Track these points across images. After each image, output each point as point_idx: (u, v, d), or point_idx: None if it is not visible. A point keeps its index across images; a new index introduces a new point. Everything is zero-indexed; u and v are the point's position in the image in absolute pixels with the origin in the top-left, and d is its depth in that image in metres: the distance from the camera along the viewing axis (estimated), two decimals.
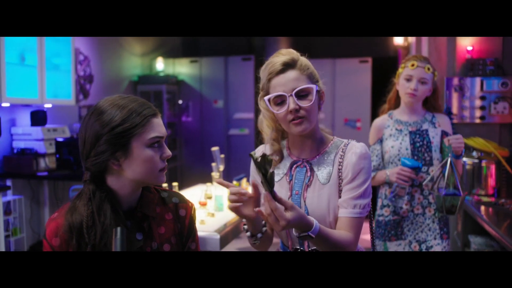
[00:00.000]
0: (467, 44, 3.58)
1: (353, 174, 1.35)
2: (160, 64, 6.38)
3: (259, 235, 1.37)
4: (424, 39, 3.83)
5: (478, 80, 3.51)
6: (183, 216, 1.34)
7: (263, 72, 1.39)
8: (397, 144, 2.32)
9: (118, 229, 1.11)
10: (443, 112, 2.38)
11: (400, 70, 2.35)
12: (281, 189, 1.42)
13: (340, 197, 1.36)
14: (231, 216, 2.65)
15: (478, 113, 3.54)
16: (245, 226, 1.40)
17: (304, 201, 1.38)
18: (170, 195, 1.37)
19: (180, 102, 6.48)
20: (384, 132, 2.38)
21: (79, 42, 4.89)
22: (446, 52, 3.64)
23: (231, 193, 1.31)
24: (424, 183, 2.23)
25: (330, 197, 1.36)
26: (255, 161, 1.15)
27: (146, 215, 1.27)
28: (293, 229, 1.25)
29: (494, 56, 3.57)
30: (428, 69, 2.27)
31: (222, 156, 2.97)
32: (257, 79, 6.14)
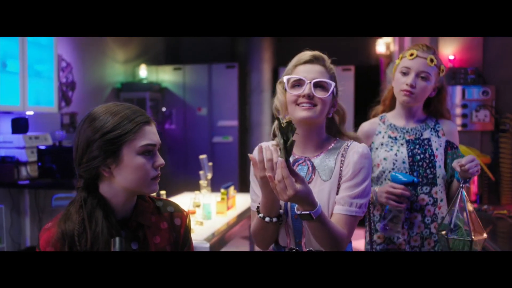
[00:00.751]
0: (448, 53, 3.66)
1: (353, 172, 1.38)
2: (143, 71, 6.34)
3: (274, 219, 1.37)
4: (407, 48, 3.90)
5: (459, 88, 3.60)
6: (179, 225, 1.33)
7: (292, 62, 1.47)
8: (391, 156, 1.82)
9: (117, 239, 1.10)
10: (449, 118, 1.91)
11: (397, 61, 1.88)
12: None
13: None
14: (219, 225, 2.64)
15: (459, 120, 3.62)
16: (258, 209, 1.39)
17: None
18: (165, 204, 1.36)
19: (164, 109, 6.45)
20: (374, 140, 1.89)
21: (62, 49, 4.83)
22: None
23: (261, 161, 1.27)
24: (439, 231, 1.66)
25: (330, 193, 1.38)
26: (280, 125, 1.17)
27: (141, 224, 1.26)
28: (296, 206, 1.28)
29: (475, 65, 3.66)
30: (432, 60, 1.78)
31: (210, 164, 2.97)
32: (241, 87, 6.23)
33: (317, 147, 1.45)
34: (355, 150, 1.41)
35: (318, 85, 1.40)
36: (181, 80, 6.48)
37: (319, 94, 1.39)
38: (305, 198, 1.23)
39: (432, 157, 1.79)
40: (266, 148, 1.26)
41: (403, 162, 1.80)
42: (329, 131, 1.50)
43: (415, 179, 1.71)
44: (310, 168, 1.43)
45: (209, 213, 2.68)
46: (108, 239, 1.16)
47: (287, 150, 1.18)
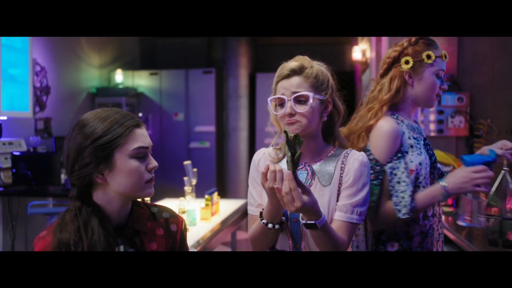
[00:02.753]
0: None
1: (354, 179, 1.40)
2: (119, 76, 6.26)
3: (277, 226, 1.38)
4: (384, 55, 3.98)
5: None
6: (175, 231, 1.32)
7: (275, 75, 1.48)
8: (424, 160, 1.63)
9: (121, 247, 1.10)
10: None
11: (427, 59, 1.62)
12: None
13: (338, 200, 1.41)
14: (204, 231, 2.63)
15: (436, 126, 3.71)
16: (261, 215, 1.40)
17: None
18: (161, 210, 1.35)
19: (140, 114, 6.37)
20: (403, 142, 1.61)
21: (36, 53, 4.73)
22: None
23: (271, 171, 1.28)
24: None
25: (330, 199, 1.41)
26: (288, 138, 1.19)
27: (138, 230, 1.25)
28: (300, 215, 1.31)
29: (450, 73, 3.76)
30: (446, 56, 1.67)
31: (195, 170, 2.95)
32: (218, 92, 6.18)
33: (315, 154, 1.47)
34: (355, 157, 1.43)
35: (297, 100, 1.41)
36: (158, 85, 6.42)
37: (300, 109, 1.40)
38: (312, 209, 1.25)
39: (434, 157, 1.69)
40: (268, 159, 1.26)
41: (427, 165, 1.64)
42: (326, 135, 1.50)
43: (494, 157, 1.49)
44: (310, 173, 1.45)
45: (194, 219, 2.67)
46: (105, 247, 1.15)
47: (294, 162, 1.20)
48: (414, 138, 1.63)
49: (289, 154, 1.20)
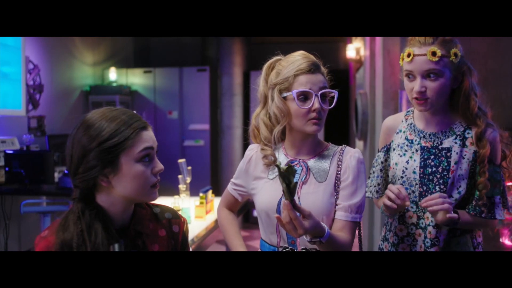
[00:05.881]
0: None
1: (354, 178, 1.42)
2: (112, 74, 6.23)
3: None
4: (378, 53, 3.98)
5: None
6: (177, 232, 1.31)
7: (287, 68, 1.42)
8: (402, 162, 1.57)
9: (116, 245, 1.09)
10: (481, 120, 1.50)
11: (400, 61, 1.55)
12: (276, 185, 1.44)
13: (336, 196, 1.42)
14: (198, 230, 2.63)
15: None
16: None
17: (298, 198, 1.42)
18: (163, 210, 1.34)
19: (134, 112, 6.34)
20: (394, 139, 1.62)
21: (29, 50, 4.69)
22: (399, 66, 3.80)
23: None
24: None
25: (325, 195, 1.42)
26: (280, 171, 1.18)
27: (140, 232, 1.24)
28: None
29: None
30: (433, 53, 1.44)
31: (189, 168, 2.94)
32: (212, 90, 6.14)
33: (310, 150, 1.49)
34: (351, 154, 1.46)
35: (324, 95, 1.42)
36: (152, 83, 6.40)
37: (326, 106, 1.42)
38: (314, 230, 1.26)
39: (445, 172, 1.50)
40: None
41: (414, 172, 1.54)
42: None
43: None
44: (305, 169, 1.46)
45: (188, 218, 2.67)
46: (108, 250, 1.14)
47: (291, 192, 1.20)
48: (407, 139, 1.58)
49: (284, 185, 1.19)
